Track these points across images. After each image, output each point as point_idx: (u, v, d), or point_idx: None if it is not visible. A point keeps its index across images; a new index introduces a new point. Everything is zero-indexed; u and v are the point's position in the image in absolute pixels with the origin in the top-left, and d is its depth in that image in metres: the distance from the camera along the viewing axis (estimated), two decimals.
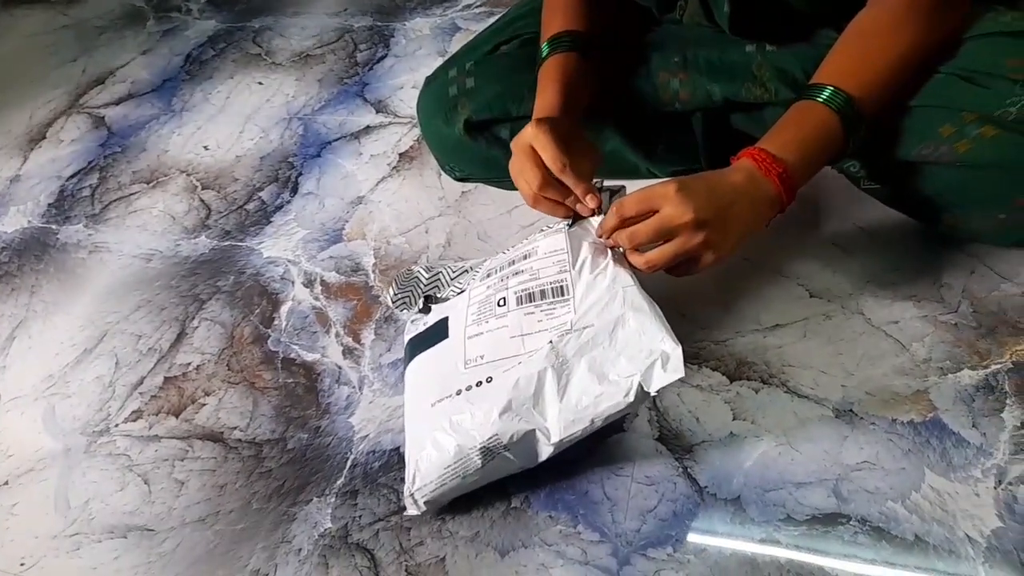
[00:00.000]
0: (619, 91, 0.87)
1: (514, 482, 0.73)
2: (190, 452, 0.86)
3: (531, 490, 0.73)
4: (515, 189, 0.78)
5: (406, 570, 0.71)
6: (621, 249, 0.73)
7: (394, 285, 0.87)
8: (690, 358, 0.66)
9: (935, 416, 0.71)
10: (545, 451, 0.69)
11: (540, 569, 0.68)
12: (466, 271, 0.84)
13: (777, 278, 0.86)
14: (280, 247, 1.10)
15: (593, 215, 0.76)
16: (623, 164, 0.92)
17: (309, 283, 1.03)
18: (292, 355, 0.94)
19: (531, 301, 0.74)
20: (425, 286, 0.85)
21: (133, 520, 0.81)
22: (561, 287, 0.74)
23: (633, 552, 0.68)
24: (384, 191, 1.14)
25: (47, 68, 1.67)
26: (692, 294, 0.82)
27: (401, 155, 1.20)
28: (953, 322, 0.78)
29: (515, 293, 0.76)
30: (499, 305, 0.76)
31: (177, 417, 0.90)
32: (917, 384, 0.74)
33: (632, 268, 0.73)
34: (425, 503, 0.70)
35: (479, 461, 0.68)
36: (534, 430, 0.68)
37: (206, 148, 1.33)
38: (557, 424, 0.68)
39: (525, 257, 0.78)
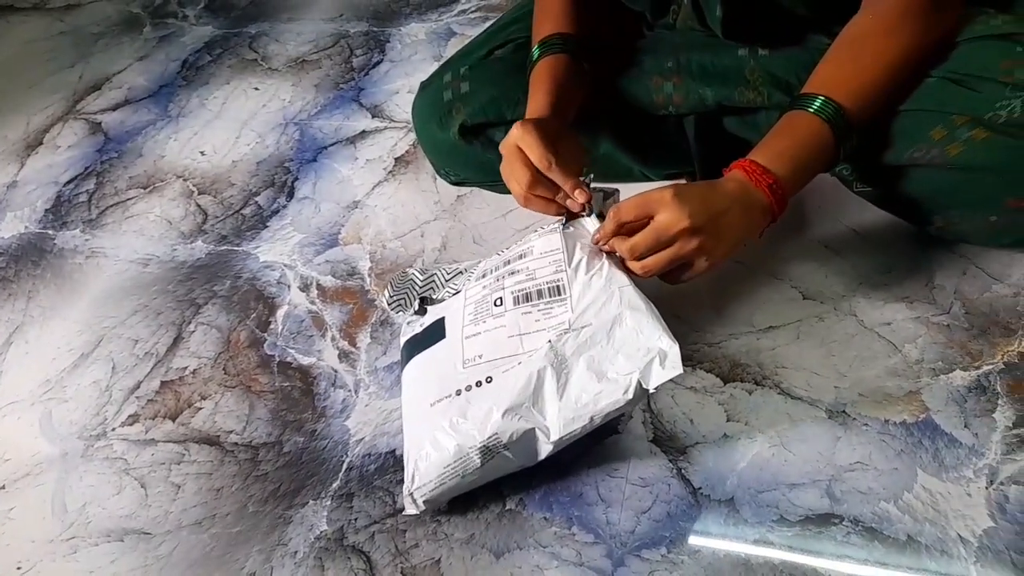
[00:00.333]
0: (613, 95, 0.88)
1: (509, 484, 0.73)
2: (187, 456, 0.86)
3: (526, 492, 0.74)
4: (509, 192, 0.78)
5: (401, 572, 0.71)
6: (617, 255, 0.74)
7: (389, 288, 0.87)
8: (684, 360, 0.66)
9: (927, 417, 0.72)
10: (544, 449, 0.69)
11: (535, 570, 0.69)
12: (461, 272, 0.85)
13: (770, 280, 0.86)
14: (276, 251, 1.10)
15: (584, 211, 0.76)
16: (617, 167, 0.93)
17: (305, 287, 1.03)
18: (288, 359, 0.94)
19: (528, 301, 0.75)
20: (420, 288, 0.86)
21: (130, 524, 0.81)
22: (558, 287, 0.74)
23: (627, 553, 0.68)
24: (380, 195, 1.15)
25: (44, 74, 1.68)
26: (686, 296, 0.83)
27: (397, 159, 1.20)
28: (945, 323, 0.78)
29: (512, 293, 0.76)
30: (496, 305, 0.76)
31: (174, 421, 0.90)
32: (909, 385, 0.74)
33: (629, 272, 0.73)
34: (424, 502, 0.71)
35: (478, 460, 0.69)
36: (533, 429, 0.68)
37: (202, 153, 1.34)
38: (557, 422, 0.68)
39: (520, 257, 0.79)
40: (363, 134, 1.28)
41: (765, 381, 0.78)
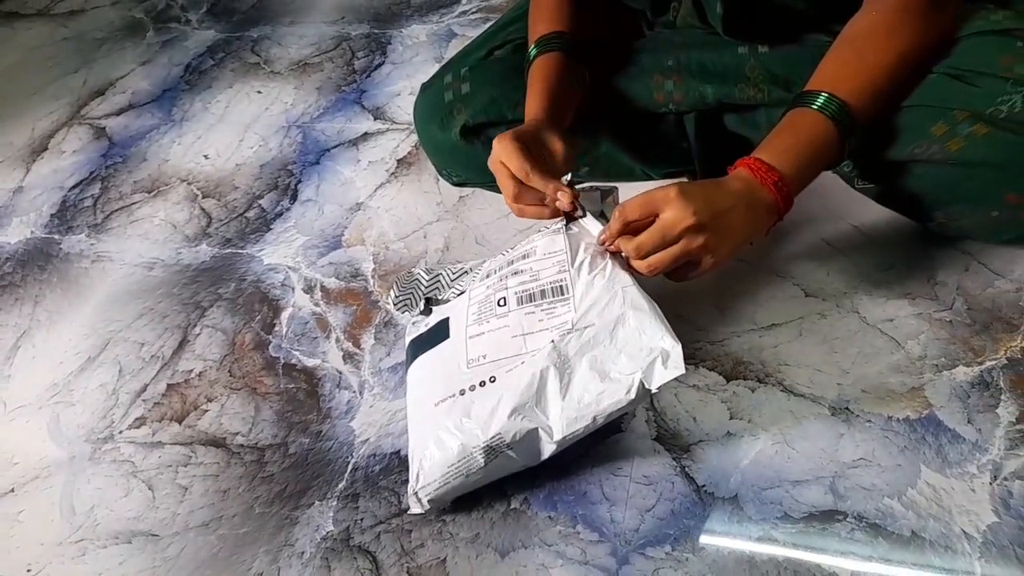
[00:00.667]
0: (612, 94, 0.88)
1: (513, 483, 0.74)
2: (193, 458, 0.87)
3: (530, 491, 0.74)
4: None
5: (407, 572, 0.71)
6: (622, 255, 0.74)
7: (395, 288, 0.88)
8: (687, 358, 0.66)
9: (930, 413, 0.72)
10: (548, 449, 0.70)
11: (540, 569, 0.69)
12: (466, 272, 0.85)
13: (772, 278, 0.86)
14: (280, 254, 1.10)
15: (575, 210, 0.76)
16: (617, 166, 0.93)
17: (309, 289, 1.04)
18: (293, 361, 0.95)
19: (531, 301, 0.75)
20: (426, 288, 0.86)
21: (138, 526, 0.82)
22: (561, 287, 0.75)
23: (632, 551, 0.68)
24: (382, 197, 1.15)
25: (48, 80, 1.69)
26: (688, 295, 0.83)
27: (399, 161, 1.21)
28: (948, 319, 0.78)
29: (515, 293, 0.76)
30: (499, 305, 0.76)
31: (180, 423, 0.91)
32: (912, 381, 0.74)
33: (633, 272, 0.74)
34: (429, 501, 0.71)
35: (482, 460, 0.69)
36: (536, 428, 0.69)
37: (206, 157, 1.34)
38: (560, 422, 0.68)
39: (524, 257, 0.79)
40: (365, 136, 1.29)
41: (768, 379, 0.78)
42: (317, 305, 1.01)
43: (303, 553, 0.75)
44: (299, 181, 1.23)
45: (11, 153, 1.49)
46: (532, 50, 0.84)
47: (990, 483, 0.66)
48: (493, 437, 0.69)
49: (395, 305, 0.87)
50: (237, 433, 0.88)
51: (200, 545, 0.78)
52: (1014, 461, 0.67)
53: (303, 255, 1.09)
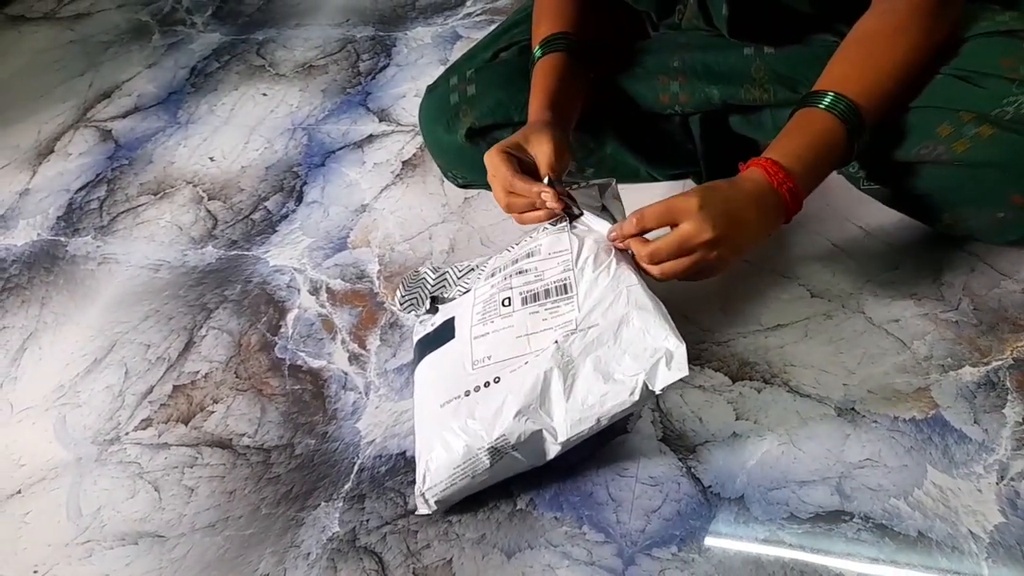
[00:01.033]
0: (618, 95, 0.88)
1: (519, 484, 0.74)
2: (199, 459, 0.87)
3: (536, 492, 0.74)
4: None
5: (413, 572, 0.71)
6: (630, 252, 0.74)
7: (401, 287, 0.88)
8: (692, 359, 0.66)
9: (937, 413, 0.72)
10: (552, 450, 0.70)
11: (546, 570, 0.69)
12: (472, 269, 0.85)
13: (778, 279, 0.86)
14: (286, 256, 1.11)
15: (564, 206, 0.76)
16: (623, 167, 0.93)
17: (315, 291, 1.04)
18: (299, 362, 0.95)
19: (535, 301, 0.75)
20: (432, 287, 0.86)
21: (144, 527, 0.82)
22: (565, 285, 0.74)
23: (638, 552, 0.68)
24: (388, 199, 1.15)
25: (54, 83, 1.69)
26: (694, 296, 0.83)
27: (404, 163, 1.21)
28: (954, 320, 0.78)
29: (520, 293, 0.76)
30: (504, 305, 0.77)
31: (186, 425, 0.91)
32: (918, 382, 0.74)
33: (640, 270, 0.73)
34: (436, 502, 0.71)
35: (487, 461, 0.69)
36: (541, 430, 0.69)
37: (212, 159, 1.35)
38: (564, 423, 0.68)
39: (528, 255, 0.79)
40: (370, 138, 1.29)
41: (774, 379, 0.78)
42: (323, 306, 1.01)
43: (309, 554, 0.75)
44: (304, 183, 1.24)
45: (17, 156, 1.49)
46: (538, 50, 0.84)
47: (997, 483, 0.66)
48: (498, 439, 0.69)
49: (401, 304, 0.87)
50: (243, 434, 0.88)
51: (206, 546, 0.79)
52: (1021, 461, 0.67)
53: (309, 257, 1.09)
